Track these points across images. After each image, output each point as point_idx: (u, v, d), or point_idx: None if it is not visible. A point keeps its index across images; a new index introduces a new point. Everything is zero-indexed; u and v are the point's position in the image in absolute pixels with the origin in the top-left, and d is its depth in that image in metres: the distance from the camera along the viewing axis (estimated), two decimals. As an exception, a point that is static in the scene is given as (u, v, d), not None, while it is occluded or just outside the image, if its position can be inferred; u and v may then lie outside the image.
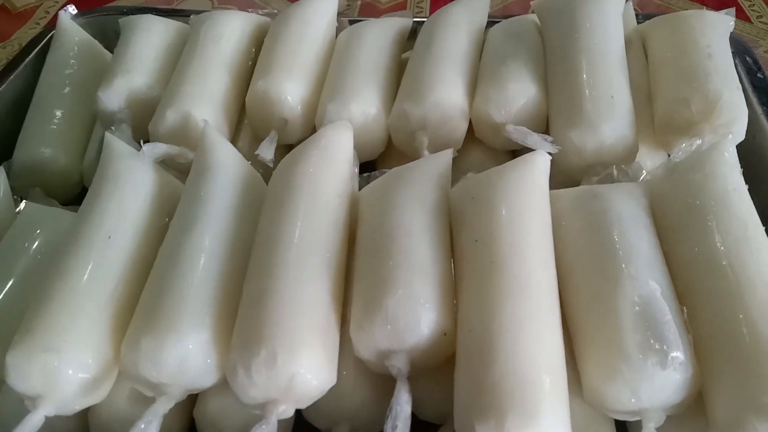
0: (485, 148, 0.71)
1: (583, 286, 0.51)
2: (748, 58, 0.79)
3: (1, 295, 0.59)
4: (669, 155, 0.69)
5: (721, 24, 0.73)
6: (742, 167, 0.73)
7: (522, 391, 0.42)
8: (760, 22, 1.06)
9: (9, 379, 0.47)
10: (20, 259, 0.62)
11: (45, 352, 0.46)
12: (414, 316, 0.47)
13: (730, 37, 0.80)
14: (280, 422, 0.50)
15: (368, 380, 0.52)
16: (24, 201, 0.72)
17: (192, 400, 0.54)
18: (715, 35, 0.70)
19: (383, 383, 0.53)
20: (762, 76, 0.77)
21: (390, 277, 0.49)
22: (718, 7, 0.78)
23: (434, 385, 0.52)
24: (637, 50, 0.76)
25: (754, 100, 0.73)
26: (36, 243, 0.64)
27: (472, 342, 0.46)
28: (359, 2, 1.06)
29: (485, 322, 0.46)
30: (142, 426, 0.44)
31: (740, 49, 0.80)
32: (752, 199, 0.68)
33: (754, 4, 1.07)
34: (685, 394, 0.45)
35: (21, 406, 0.49)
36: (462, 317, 0.49)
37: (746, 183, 0.70)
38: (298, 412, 0.54)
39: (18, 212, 0.69)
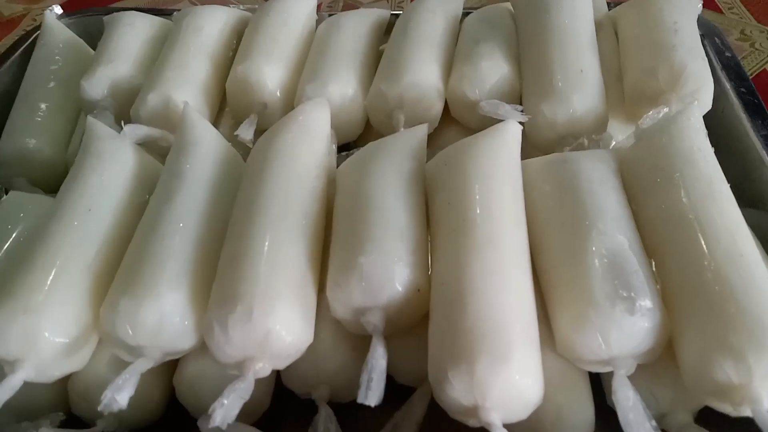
0: (461, 128, 0.73)
1: (554, 244, 0.52)
2: (716, 39, 0.81)
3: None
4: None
5: (687, 5, 0.75)
6: (711, 141, 0.75)
7: (492, 336, 0.43)
8: (731, 12, 1.09)
9: (-13, 342, 0.47)
10: (3, 242, 0.63)
11: (24, 314, 0.47)
12: (388, 272, 0.48)
13: (700, 22, 0.82)
14: (260, 388, 0.51)
15: (346, 343, 0.53)
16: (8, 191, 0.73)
17: (173, 370, 0.54)
18: (681, 14, 0.72)
19: (361, 346, 0.53)
20: (730, 55, 0.79)
21: (365, 237, 0.50)
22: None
23: (411, 348, 0.53)
24: (608, 33, 0.78)
25: (723, 76, 0.75)
26: (20, 227, 0.64)
27: (444, 295, 0.47)
28: (342, 2, 1.08)
29: (456, 274, 0.47)
30: (120, 382, 0.44)
31: (709, 32, 0.83)
32: (723, 172, 0.71)
33: (725, -4, 1.10)
34: (654, 341, 0.46)
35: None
36: (435, 274, 0.50)
37: (716, 156, 0.72)
38: (278, 381, 0.55)
39: (1, 200, 0.70)
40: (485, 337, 0.43)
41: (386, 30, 0.86)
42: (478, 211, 0.50)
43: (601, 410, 0.50)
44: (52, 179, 0.78)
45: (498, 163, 0.55)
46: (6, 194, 0.72)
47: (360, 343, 0.53)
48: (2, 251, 0.62)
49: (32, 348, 0.47)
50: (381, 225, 0.51)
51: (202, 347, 0.50)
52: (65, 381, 0.52)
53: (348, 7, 1.20)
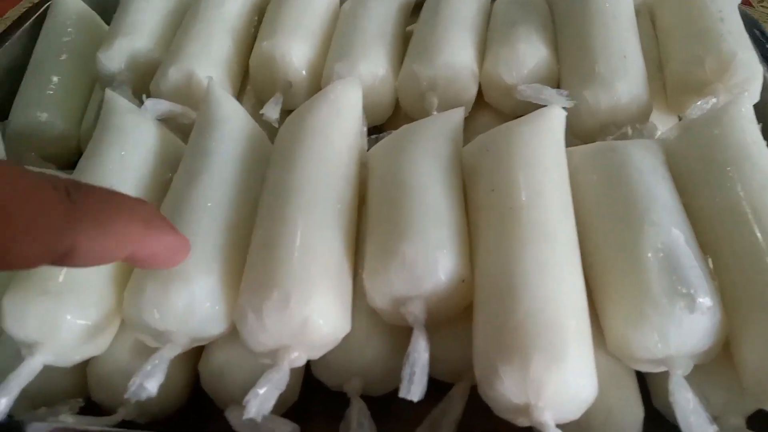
0: (494, 113, 0.70)
1: (604, 236, 0.49)
2: (756, 31, 0.78)
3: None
4: (680, 118, 0.68)
5: (729, -7, 0.72)
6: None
7: (547, 332, 0.41)
8: (761, 6, 1.06)
9: (5, 324, 0.44)
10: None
11: (43, 296, 0.44)
12: (432, 261, 0.45)
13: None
14: (290, 380, 0.48)
15: (381, 334, 0.50)
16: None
17: (197, 356, 0.52)
18: (725, 3, 0.69)
19: (397, 337, 0.51)
20: (771, 47, 0.76)
21: (406, 224, 0.47)
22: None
23: (448, 343, 0.50)
24: (645, 20, 0.76)
25: (765, 68, 0.72)
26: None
27: (492, 288, 0.45)
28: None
29: (506, 266, 0.44)
30: (149, 369, 0.41)
31: (748, 22, 0.80)
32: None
33: (755, -10, 1.08)
34: (713, 341, 0.44)
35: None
36: (481, 265, 0.47)
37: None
38: (307, 373, 0.53)
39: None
40: (539, 333, 0.41)
41: (411, 12, 0.83)
42: (525, 199, 0.48)
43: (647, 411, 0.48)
44: (64, 155, 0.75)
45: (544, 149, 0.52)
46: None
47: (395, 334, 0.51)
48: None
49: (52, 331, 0.44)
50: (422, 211, 0.48)
51: (231, 334, 0.48)
52: (83, 366, 0.50)
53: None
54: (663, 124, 0.67)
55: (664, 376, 0.46)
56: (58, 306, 0.44)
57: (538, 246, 0.45)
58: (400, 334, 0.51)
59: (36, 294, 0.44)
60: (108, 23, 0.87)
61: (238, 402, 0.49)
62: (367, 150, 0.61)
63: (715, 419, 0.47)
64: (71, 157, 0.76)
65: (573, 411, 0.42)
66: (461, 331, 0.50)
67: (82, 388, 0.50)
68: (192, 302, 0.45)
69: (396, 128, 0.69)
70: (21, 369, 0.42)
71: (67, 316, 0.44)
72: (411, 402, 0.50)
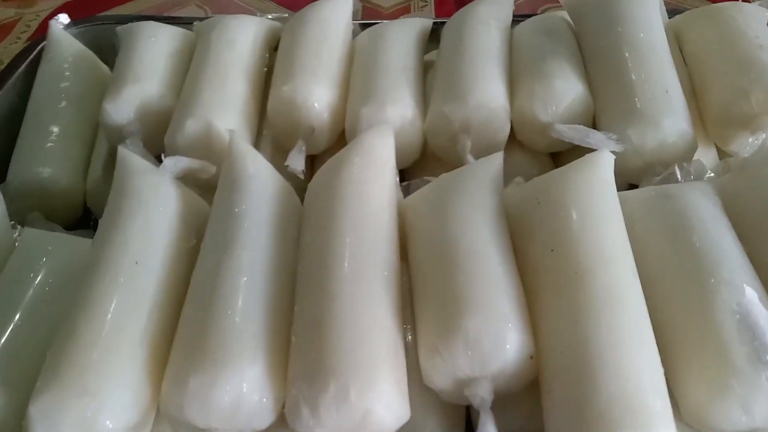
0: (526, 151, 0.67)
1: (672, 295, 0.46)
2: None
3: (8, 333, 0.52)
4: (719, 149, 0.66)
5: (760, 15, 0.70)
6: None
7: (633, 418, 0.38)
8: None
9: (34, 434, 0.40)
10: (26, 291, 0.55)
11: (79, 398, 0.40)
12: (499, 338, 0.42)
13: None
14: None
15: (437, 409, 0.47)
16: (20, 227, 0.64)
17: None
18: (759, 26, 0.67)
19: (453, 411, 0.48)
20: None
21: (465, 295, 0.44)
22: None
23: (510, 413, 0.47)
24: (672, 45, 0.73)
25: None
26: (42, 273, 0.57)
27: (566, 364, 0.41)
28: (361, 7, 1.01)
29: (580, 340, 0.41)
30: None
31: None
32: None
33: None
34: (802, 409, 0.41)
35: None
36: (549, 337, 0.44)
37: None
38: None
39: (17, 239, 0.62)
40: (625, 421, 0.38)
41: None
42: (590, 261, 0.45)
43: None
44: (70, 212, 0.71)
45: (601, 200, 0.49)
46: (19, 232, 0.64)
47: (452, 406, 0.47)
48: (26, 301, 0.54)
49: (89, 438, 0.40)
50: (481, 278, 0.45)
51: (276, 422, 0.44)
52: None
53: (367, 11, 1.14)
54: (702, 156, 0.64)
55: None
56: (97, 408, 0.40)
57: (612, 314, 0.42)
58: (457, 406, 0.48)
59: (71, 396, 0.40)
60: (105, 62, 0.83)
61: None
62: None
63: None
64: (76, 212, 0.72)
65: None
66: (522, 401, 0.46)
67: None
68: (239, 396, 0.41)
69: (422, 172, 0.66)
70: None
71: (106, 419, 0.40)
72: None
